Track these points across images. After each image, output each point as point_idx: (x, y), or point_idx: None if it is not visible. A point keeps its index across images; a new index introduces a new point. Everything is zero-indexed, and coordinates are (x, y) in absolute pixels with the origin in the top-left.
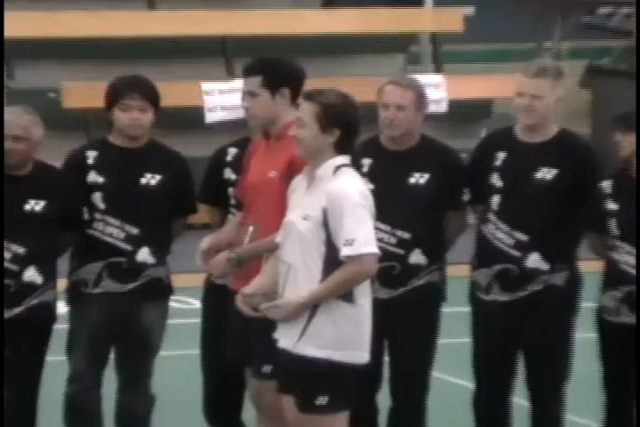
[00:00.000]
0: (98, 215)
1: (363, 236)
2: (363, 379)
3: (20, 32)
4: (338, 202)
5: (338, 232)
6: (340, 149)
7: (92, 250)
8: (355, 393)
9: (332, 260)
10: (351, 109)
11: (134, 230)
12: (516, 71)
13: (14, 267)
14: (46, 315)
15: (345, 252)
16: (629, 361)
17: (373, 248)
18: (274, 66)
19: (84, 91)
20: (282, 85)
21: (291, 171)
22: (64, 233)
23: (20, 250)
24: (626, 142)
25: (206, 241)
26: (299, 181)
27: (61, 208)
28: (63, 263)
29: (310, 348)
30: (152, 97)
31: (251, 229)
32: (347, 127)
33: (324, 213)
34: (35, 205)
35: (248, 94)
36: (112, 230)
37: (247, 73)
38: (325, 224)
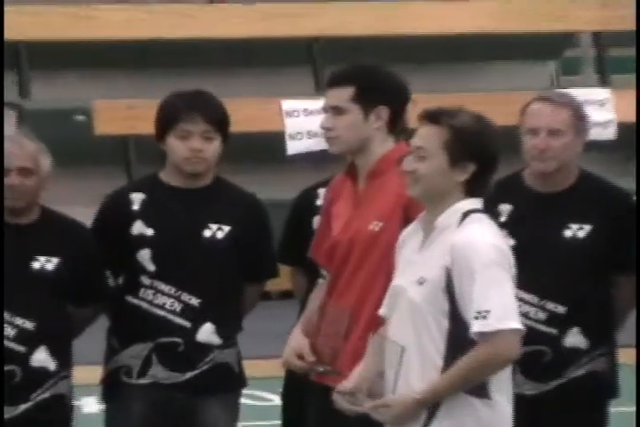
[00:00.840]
0: (146, 280)
1: (500, 306)
2: None
3: (34, 33)
4: (466, 260)
5: (466, 301)
6: (472, 189)
7: (137, 327)
8: None
9: (457, 339)
10: (491, 137)
11: (194, 301)
12: None
13: (20, 348)
14: (62, 413)
15: (476, 327)
16: None
17: (515, 323)
18: (372, 76)
19: (123, 111)
20: (380, 103)
21: (404, 219)
22: (82, 305)
23: (28, 324)
24: None
25: (301, 338)
26: (410, 233)
27: (77, 270)
28: (96, 345)
29: None
30: (220, 120)
31: (347, 316)
32: (485, 161)
33: (447, 274)
34: (46, 263)
35: (332, 111)
36: (164, 301)
37: (334, 83)
38: (449, 290)
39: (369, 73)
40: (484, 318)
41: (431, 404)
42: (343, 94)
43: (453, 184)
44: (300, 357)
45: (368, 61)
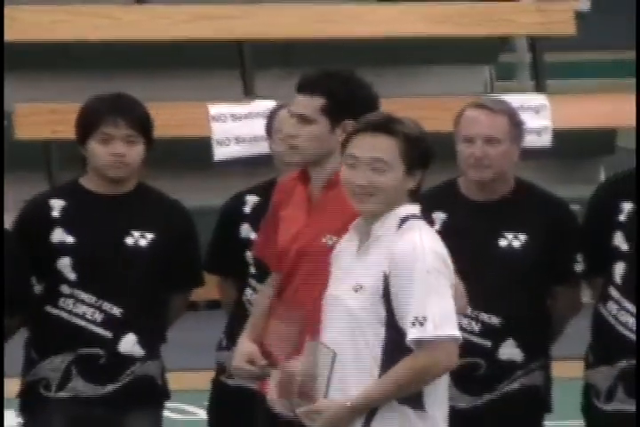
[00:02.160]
0: (66, 289)
1: (439, 313)
2: None
3: None
4: (405, 266)
5: (404, 307)
6: (415, 195)
7: (56, 337)
8: None
9: (394, 347)
10: (429, 143)
11: (115, 311)
12: None
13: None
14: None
15: (413, 334)
16: None
17: (454, 331)
18: (345, 88)
19: (45, 115)
20: (349, 117)
21: None
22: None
23: None
24: None
25: (250, 344)
26: (346, 242)
27: None
28: (12, 357)
29: None
30: (143, 124)
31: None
32: (427, 167)
33: (385, 281)
34: None
35: (299, 119)
36: (85, 310)
37: (305, 90)
38: (386, 296)
39: (343, 84)
40: (421, 324)
41: (364, 411)
42: (313, 104)
43: (405, 192)
44: (251, 362)
45: (299, 66)
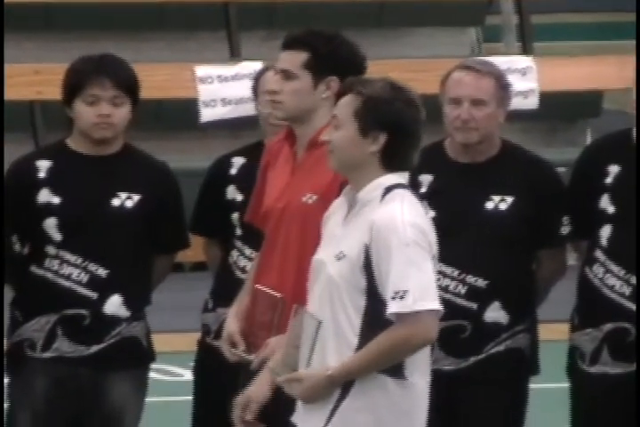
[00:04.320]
0: (51, 250)
1: (419, 286)
2: None
3: None
4: (385, 238)
5: (384, 280)
6: (390, 162)
7: (41, 298)
8: None
9: (374, 318)
10: (406, 107)
11: (101, 272)
12: (633, 52)
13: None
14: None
15: (393, 308)
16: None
17: (433, 303)
18: (328, 43)
19: (30, 76)
20: (332, 73)
21: (340, 195)
22: None
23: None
24: None
25: (233, 321)
26: (336, 207)
27: None
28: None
29: None
30: (129, 85)
31: (281, 305)
32: (397, 131)
33: (366, 251)
34: None
35: (282, 74)
36: (70, 271)
37: (289, 46)
38: (367, 267)
39: (326, 40)
40: (402, 298)
41: (343, 382)
42: (295, 59)
43: (366, 155)
44: (233, 345)
45: (284, 27)
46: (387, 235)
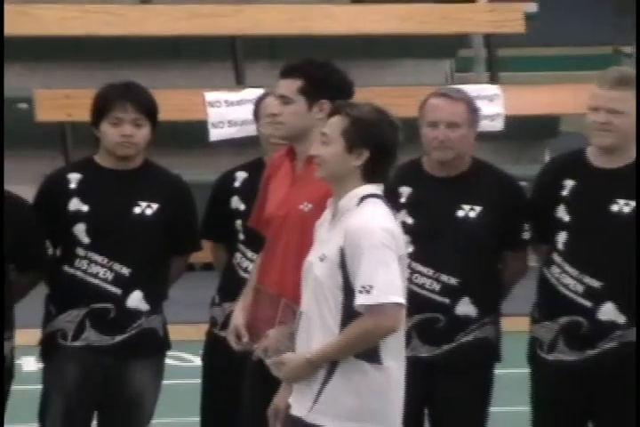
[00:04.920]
0: (81, 251)
1: (383, 282)
2: None
3: None
4: (356, 240)
5: (355, 276)
6: (370, 175)
7: (72, 294)
8: None
9: (351, 310)
10: (387, 128)
11: (125, 271)
12: (589, 81)
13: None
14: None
15: (359, 300)
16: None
17: (397, 297)
18: (320, 71)
19: (61, 100)
20: (324, 97)
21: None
22: (22, 273)
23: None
24: None
25: (239, 316)
26: (325, 215)
27: (17, 243)
28: (35, 311)
29: (324, 418)
30: (149, 109)
31: (282, 303)
32: (379, 149)
33: (342, 252)
34: None
35: (281, 99)
36: (98, 270)
37: (286, 74)
38: (343, 266)
39: (318, 68)
40: (368, 292)
41: (321, 364)
42: (292, 85)
43: (351, 169)
44: (238, 337)
45: (284, 58)
46: (359, 237)
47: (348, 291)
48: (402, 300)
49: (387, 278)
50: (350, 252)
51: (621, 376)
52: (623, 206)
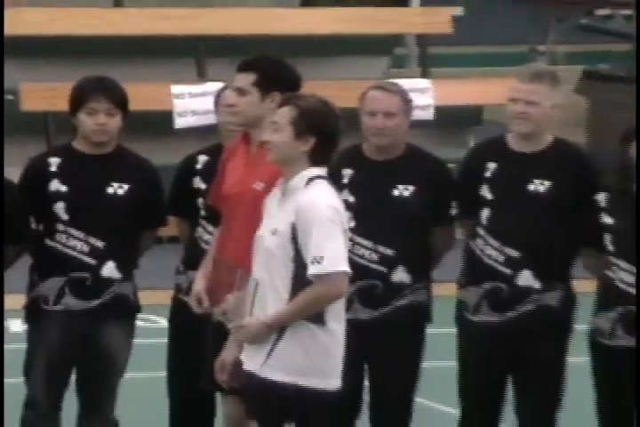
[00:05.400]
0: (60, 227)
1: (332, 253)
2: (340, 405)
3: None
4: (306, 216)
5: (306, 249)
6: (315, 159)
7: (53, 264)
8: (327, 421)
9: (300, 278)
10: (331, 117)
11: (99, 244)
12: (509, 76)
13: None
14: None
15: (312, 270)
16: (626, 388)
17: (343, 267)
18: (272, 66)
19: (44, 92)
20: (276, 89)
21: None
22: (8, 246)
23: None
24: None
25: (200, 283)
26: (274, 193)
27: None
28: (21, 278)
29: (275, 372)
30: (120, 100)
31: (239, 272)
32: (323, 135)
33: (293, 228)
34: None
35: (237, 91)
36: (75, 243)
37: (242, 68)
38: (294, 240)
39: (270, 64)
40: (319, 262)
41: (277, 327)
42: (247, 79)
43: (299, 153)
44: (199, 301)
45: (241, 55)
46: (308, 214)
47: (299, 262)
48: (348, 269)
49: (334, 250)
50: (301, 227)
51: (538, 334)
52: (539, 186)
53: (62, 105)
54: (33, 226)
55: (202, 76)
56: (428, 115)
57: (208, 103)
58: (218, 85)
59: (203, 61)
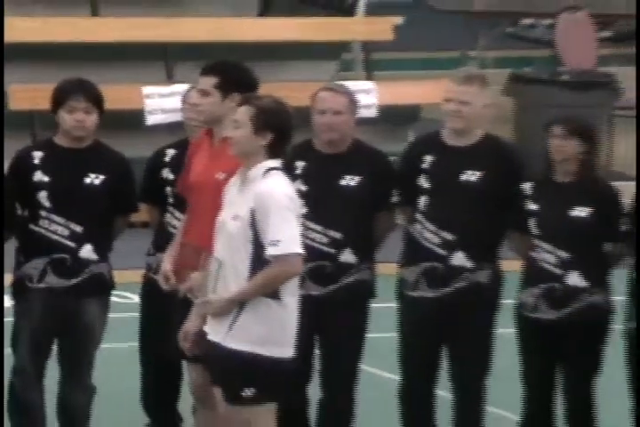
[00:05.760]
0: (43, 213)
1: (288, 236)
2: (293, 372)
3: None
4: (265, 203)
5: (264, 233)
6: (272, 152)
7: (36, 246)
8: (282, 386)
9: (259, 259)
10: (285, 115)
11: (78, 228)
12: (443, 78)
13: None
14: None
15: (270, 252)
16: (548, 356)
17: (298, 248)
18: (231, 70)
19: (29, 93)
20: (235, 91)
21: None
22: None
23: None
24: (567, 146)
25: (168, 263)
26: (233, 182)
27: None
28: (8, 259)
29: (236, 342)
30: (97, 99)
31: (204, 253)
32: (279, 131)
33: (252, 213)
34: None
35: (201, 92)
36: (57, 228)
37: (204, 72)
38: (253, 224)
39: (230, 68)
40: (276, 245)
41: (238, 302)
42: (209, 81)
43: (257, 147)
44: (166, 279)
45: (207, 61)
46: (266, 201)
47: (257, 244)
48: (302, 251)
49: (290, 234)
50: (259, 213)
51: (469, 308)
52: (470, 176)
53: (45, 104)
54: (19, 212)
55: (170, 79)
56: (372, 113)
57: (176, 102)
58: (184, 87)
59: (171, 65)
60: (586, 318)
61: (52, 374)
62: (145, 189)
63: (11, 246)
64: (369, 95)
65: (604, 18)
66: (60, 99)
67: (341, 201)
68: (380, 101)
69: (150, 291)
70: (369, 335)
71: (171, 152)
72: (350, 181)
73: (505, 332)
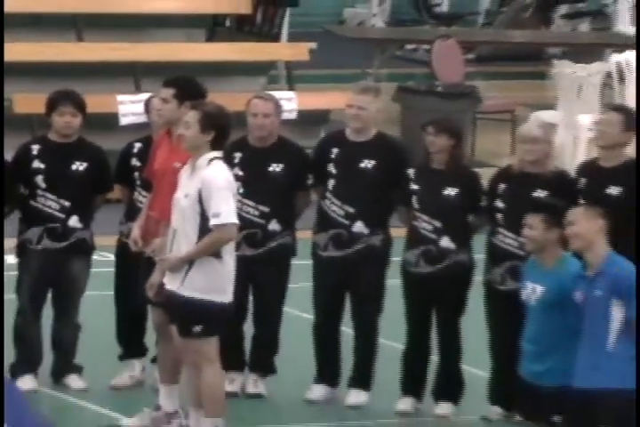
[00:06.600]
0: (40, 192)
1: (226, 210)
2: (231, 313)
3: None
4: (209, 185)
5: (208, 207)
6: (215, 146)
7: (35, 217)
8: (223, 324)
9: (204, 227)
10: (225, 117)
11: (67, 203)
12: (347, 89)
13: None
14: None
15: (212, 222)
16: (425, 300)
17: (234, 219)
18: (186, 83)
19: (29, 100)
20: (188, 99)
21: None
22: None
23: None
24: (438, 141)
25: (136, 230)
26: (186, 168)
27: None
28: (13, 227)
29: (188, 291)
30: (81, 105)
31: (163, 223)
32: (220, 130)
33: (199, 193)
34: None
35: (162, 100)
36: (50, 203)
37: (165, 85)
38: (200, 201)
39: (185, 82)
40: (217, 216)
41: (188, 260)
42: (169, 92)
43: (203, 142)
44: (135, 243)
45: (167, 77)
46: (210, 183)
47: (203, 217)
48: (237, 221)
49: (228, 208)
50: (205, 192)
51: (366, 264)
52: (367, 164)
53: (42, 109)
54: (21, 191)
55: (138, 89)
56: (293, 116)
57: (143, 107)
58: (148, 95)
59: (138, 79)
60: (454, 271)
61: (47, 313)
62: (118, 174)
63: (14, 217)
64: (290, 102)
65: (468, 44)
66: (52, 105)
67: (269, 183)
68: (299, 107)
69: (123, 252)
70: (290, 285)
71: (138, 145)
72: (276, 167)
73: (393, 282)
